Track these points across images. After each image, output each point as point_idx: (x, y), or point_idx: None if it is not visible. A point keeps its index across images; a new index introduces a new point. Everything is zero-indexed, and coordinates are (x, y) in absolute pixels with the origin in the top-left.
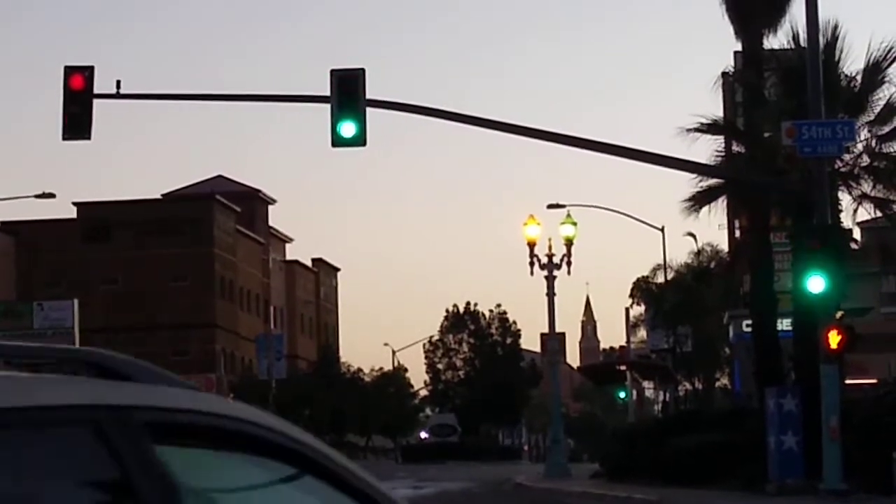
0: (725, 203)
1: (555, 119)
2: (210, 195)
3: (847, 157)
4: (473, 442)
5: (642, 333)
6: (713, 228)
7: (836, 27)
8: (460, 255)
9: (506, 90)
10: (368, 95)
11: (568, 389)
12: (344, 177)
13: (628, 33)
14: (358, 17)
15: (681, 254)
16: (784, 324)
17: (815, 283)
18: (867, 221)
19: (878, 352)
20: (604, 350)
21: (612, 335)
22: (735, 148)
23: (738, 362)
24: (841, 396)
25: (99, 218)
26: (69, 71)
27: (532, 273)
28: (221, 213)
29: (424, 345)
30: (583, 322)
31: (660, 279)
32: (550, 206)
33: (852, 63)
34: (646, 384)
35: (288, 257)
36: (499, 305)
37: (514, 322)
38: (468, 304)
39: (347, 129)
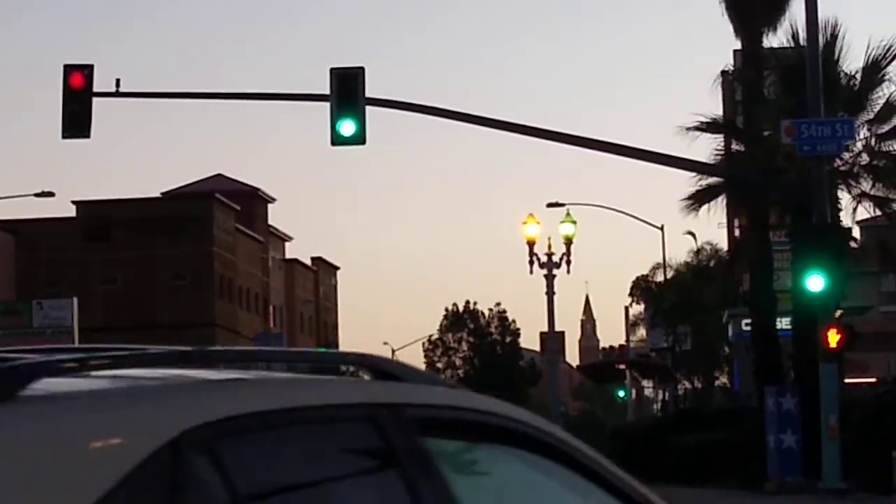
0: (725, 202)
1: (555, 118)
2: (210, 194)
3: (846, 155)
4: None
5: (642, 332)
6: (713, 227)
7: (835, 26)
8: (460, 253)
9: (506, 90)
10: (368, 94)
11: (567, 388)
12: (343, 175)
13: (628, 33)
14: (358, 16)
15: (680, 252)
16: (783, 322)
17: (815, 282)
18: (866, 220)
19: (878, 350)
20: (603, 349)
21: (611, 334)
22: (734, 146)
23: (738, 361)
24: (840, 395)
25: (98, 216)
26: (69, 69)
27: (531, 272)
28: (221, 212)
29: (424, 344)
30: (582, 321)
31: (659, 278)
32: (550, 205)
33: (852, 62)
34: (645, 383)
35: (287, 256)
36: (498, 304)
37: (514, 321)
38: (468, 302)
39: (347, 127)
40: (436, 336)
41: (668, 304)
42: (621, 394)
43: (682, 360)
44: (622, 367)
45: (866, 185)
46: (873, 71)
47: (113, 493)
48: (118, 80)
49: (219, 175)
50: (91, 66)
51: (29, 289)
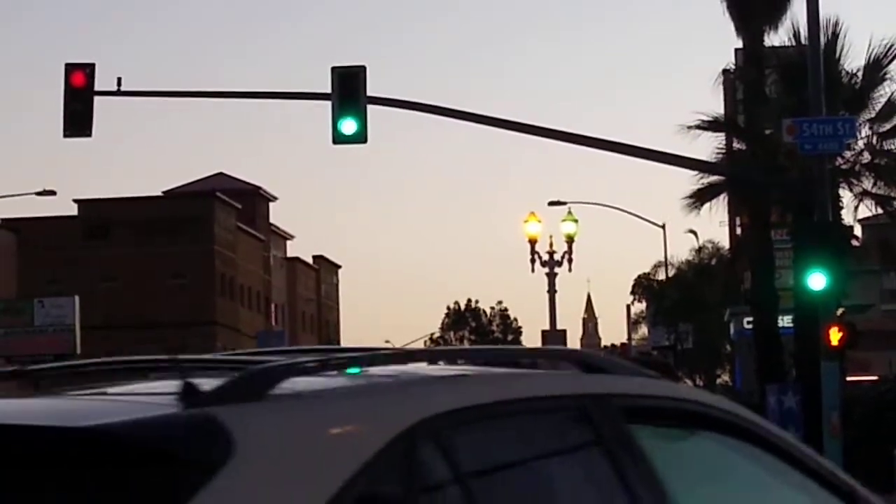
0: (726, 200)
1: (555, 118)
2: (211, 192)
3: (848, 154)
4: None
5: (643, 330)
6: (714, 225)
7: (836, 24)
8: (461, 252)
9: (506, 89)
10: (369, 93)
11: None
12: (345, 174)
13: (628, 32)
14: (358, 15)
15: (682, 251)
16: (785, 321)
17: (816, 280)
18: (868, 218)
19: (879, 349)
20: (605, 347)
21: (613, 332)
22: (736, 145)
23: (739, 359)
24: (842, 393)
25: (100, 215)
26: (70, 68)
27: (533, 270)
28: (222, 211)
29: (426, 342)
30: (584, 319)
31: (661, 276)
32: (551, 204)
33: (853, 60)
34: None
35: (289, 254)
36: (500, 302)
37: (516, 319)
38: (469, 301)
39: (348, 126)
40: (438, 334)
41: (669, 302)
42: None
43: (684, 358)
44: None
45: (868, 184)
46: (875, 69)
47: (357, 476)
48: (119, 79)
49: (220, 174)
50: (92, 65)
51: (30, 287)
